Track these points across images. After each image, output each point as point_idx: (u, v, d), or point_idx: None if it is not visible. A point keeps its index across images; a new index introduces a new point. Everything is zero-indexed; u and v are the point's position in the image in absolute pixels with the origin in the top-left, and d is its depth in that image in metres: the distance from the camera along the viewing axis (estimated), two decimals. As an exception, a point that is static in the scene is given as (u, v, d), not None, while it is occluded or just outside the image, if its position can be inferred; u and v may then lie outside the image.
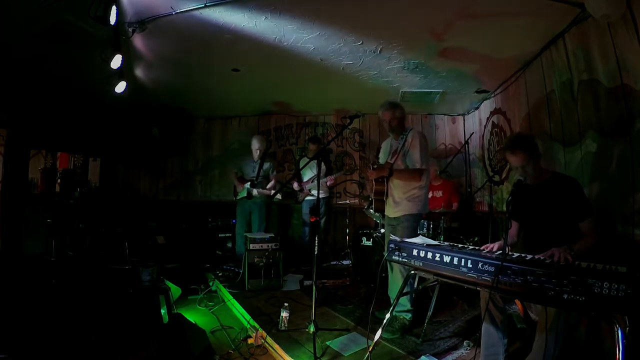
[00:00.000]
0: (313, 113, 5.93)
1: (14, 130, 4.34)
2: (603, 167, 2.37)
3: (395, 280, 2.80)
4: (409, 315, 2.73)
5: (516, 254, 1.71)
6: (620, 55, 2.17)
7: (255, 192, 4.26)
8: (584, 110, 2.57)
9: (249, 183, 4.36)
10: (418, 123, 5.70)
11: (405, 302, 2.74)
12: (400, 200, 2.89)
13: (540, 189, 2.04)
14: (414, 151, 2.83)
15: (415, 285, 2.84)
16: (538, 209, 2.04)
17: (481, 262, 1.64)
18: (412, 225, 2.85)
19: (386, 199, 2.98)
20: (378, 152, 3.11)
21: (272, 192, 4.20)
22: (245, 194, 4.37)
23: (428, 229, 3.83)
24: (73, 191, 5.23)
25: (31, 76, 4.10)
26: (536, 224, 2.07)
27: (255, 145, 4.44)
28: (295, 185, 4.83)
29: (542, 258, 1.63)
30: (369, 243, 4.11)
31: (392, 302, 2.40)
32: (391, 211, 2.95)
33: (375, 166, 3.02)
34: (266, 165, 4.44)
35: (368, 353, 2.14)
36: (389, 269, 2.91)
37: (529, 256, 1.65)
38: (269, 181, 4.43)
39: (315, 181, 3.76)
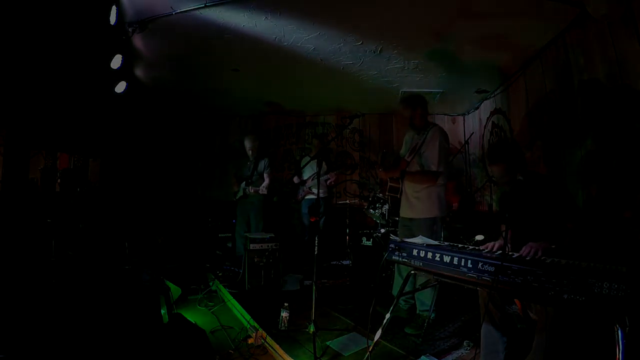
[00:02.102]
0: (313, 113, 5.93)
1: (14, 130, 4.34)
2: (603, 167, 2.37)
3: (399, 281, 2.79)
4: (432, 315, 2.62)
5: (516, 254, 1.72)
6: (620, 55, 2.17)
7: (249, 190, 4.24)
8: (584, 110, 2.58)
9: (244, 182, 4.36)
10: (418, 123, 5.71)
11: (427, 301, 2.63)
12: (414, 200, 2.72)
13: (526, 191, 2.04)
14: (431, 151, 2.65)
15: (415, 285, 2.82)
16: (524, 211, 2.04)
17: (481, 262, 1.64)
18: (430, 228, 2.61)
19: (400, 197, 2.84)
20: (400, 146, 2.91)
21: (266, 191, 4.18)
22: (242, 194, 4.37)
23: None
24: (73, 191, 5.22)
25: (31, 76, 4.09)
26: (522, 226, 2.07)
27: (247, 145, 4.46)
28: (296, 179, 4.83)
29: (514, 255, 1.67)
30: (369, 243, 4.11)
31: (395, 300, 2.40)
32: (405, 211, 2.81)
33: (385, 164, 2.83)
34: (261, 164, 4.43)
35: (368, 353, 2.14)
36: (396, 268, 2.89)
37: (529, 256, 1.66)
38: (264, 180, 4.42)
39: (316, 179, 3.76)
